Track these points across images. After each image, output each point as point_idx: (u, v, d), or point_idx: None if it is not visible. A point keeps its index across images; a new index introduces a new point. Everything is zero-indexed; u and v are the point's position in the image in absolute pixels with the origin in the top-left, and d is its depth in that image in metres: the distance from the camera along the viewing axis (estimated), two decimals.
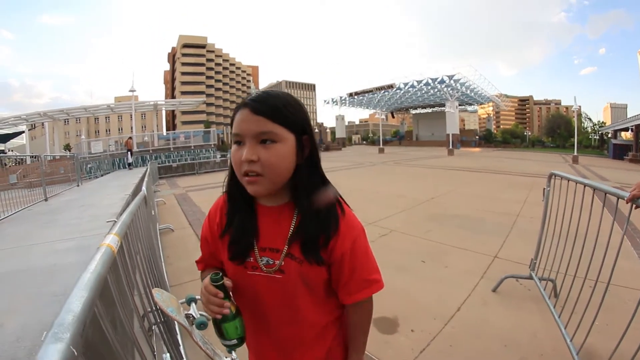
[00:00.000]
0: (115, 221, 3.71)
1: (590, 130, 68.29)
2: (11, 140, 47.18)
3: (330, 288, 1.00)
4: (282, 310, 0.98)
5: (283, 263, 0.94)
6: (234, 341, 0.92)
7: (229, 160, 0.98)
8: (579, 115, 35.60)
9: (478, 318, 3.07)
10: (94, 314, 0.73)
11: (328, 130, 79.37)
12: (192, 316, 1.66)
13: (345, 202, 1.01)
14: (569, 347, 2.34)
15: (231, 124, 0.92)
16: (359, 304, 1.01)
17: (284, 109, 0.88)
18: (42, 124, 38.28)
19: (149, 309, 1.62)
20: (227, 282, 0.94)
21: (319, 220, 0.93)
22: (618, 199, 2.08)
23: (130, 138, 22.91)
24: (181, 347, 2.18)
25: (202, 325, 1.63)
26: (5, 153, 36.72)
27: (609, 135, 43.91)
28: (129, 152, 21.05)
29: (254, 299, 0.99)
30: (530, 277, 3.48)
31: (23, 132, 41.70)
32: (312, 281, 0.95)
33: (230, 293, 0.93)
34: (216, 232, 1.04)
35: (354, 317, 1.05)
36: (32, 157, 11.21)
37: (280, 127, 0.87)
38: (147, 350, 1.36)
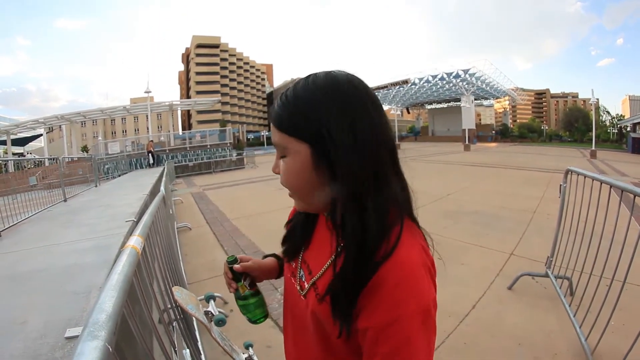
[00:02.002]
0: (134, 221, 3.82)
1: (608, 124, 66.66)
2: (30, 144, 48.32)
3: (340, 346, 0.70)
4: (298, 331, 0.83)
5: (308, 292, 0.76)
6: (248, 317, 0.99)
7: None
8: (597, 108, 34.75)
9: (493, 316, 3.06)
10: (124, 313, 0.77)
11: None
12: (211, 313, 1.71)
13: (416, 250, 0.64)
14: (583, 347, 2.33)
15: None
16: None
17: (290, 110, 0.68)
18: (60, 126, 39.17)
19: (169, 306, 1.67)
20: (237, 266, 0.95)
21: (344, 269, 0.64)
22: (635, 197, 2.06)
23: (151, 141, 23.26)
24: (199, 343, 2.24)
25: (220, 322, 1.67)
26: (24, 156, 37.65)
27: (628, 129, 42.79)
28: (150, 154, 21.48)
29: (287, 304, 0.89)
30: (547, 275, 3.45)
31: (41, 135, 42.67)
32: (325, 325, 0.70)
33: (246, 276, 0.96)
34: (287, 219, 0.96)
35: None
36: (51, 159, 11.44)
37: (288, 138, 0.68)
38: (169, 346, 1.41)
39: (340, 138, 0.63)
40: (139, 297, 1.08)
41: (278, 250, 0.97)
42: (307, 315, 0.75)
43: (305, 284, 0.78)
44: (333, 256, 0.70)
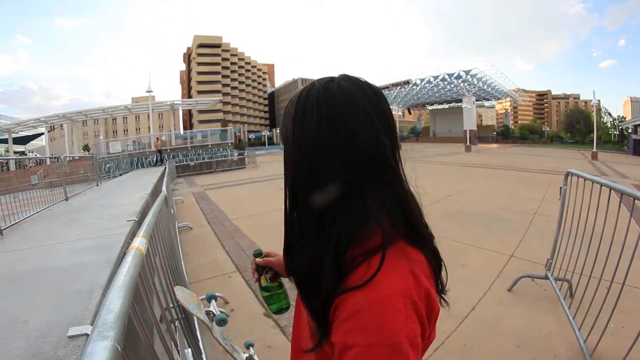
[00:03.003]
0: (136, 220, 3.83)
1: (610, 126, 66.59)
2: (31, 142, 48.47)
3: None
4: (305, 335, 0.75)
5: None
6: (270, 309, 1.02)
7: None
8: (598, 110, 34.74)
9: (493, 318, 3.07)
10: (129, 313, 0.79)
11: None
12: (212, 313, 1.73)
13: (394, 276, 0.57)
14: (582, 349, 2.34)
15: None
16: None
17: (282, 122, 0.69)
18: (61, 125, 39.23)
19: (171, 305, 1.68)
20: (258, 260, 1.00)
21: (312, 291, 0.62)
22: (634, 200, 2.06)
23: (158, 139, 23.31)
24: (200, 343, 2.25)
25: (222, 322, 1.69)
26: (26, 155, 37.70)
27: (629, 131, 42.68)
28: (159, 153, 21.76)
29: (297, 304, 0.83)
30: (546, 277, 3.46)
31: (42, 134, 42.74)
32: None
33: (268, 269, 1.01)
34: None
35: None
36: (52, 158, 11.46)
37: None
38: (171, 345, 1.42)
39: (290, 146, 0.63)
40: (142, 297, 1.09)
41: (281, 249, 0.96)
42: (305, 315, 0.72)
43: None
44: None
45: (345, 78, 0.65)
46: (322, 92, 0.62)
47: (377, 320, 0.52)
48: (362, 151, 0.60)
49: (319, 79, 0.66)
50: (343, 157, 0.59)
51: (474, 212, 7.02)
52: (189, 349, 1.76)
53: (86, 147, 55.56)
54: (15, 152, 37.75)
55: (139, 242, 1.21)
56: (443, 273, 0.68)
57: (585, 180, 2.96)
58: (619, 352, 2.07)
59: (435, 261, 0.68)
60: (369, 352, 0.50)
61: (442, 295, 0.67)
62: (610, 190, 2.44)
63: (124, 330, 0.65)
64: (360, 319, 0.52)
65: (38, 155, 34.14)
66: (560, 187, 3.47)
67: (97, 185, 10.00)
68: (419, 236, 0.66)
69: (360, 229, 0.60)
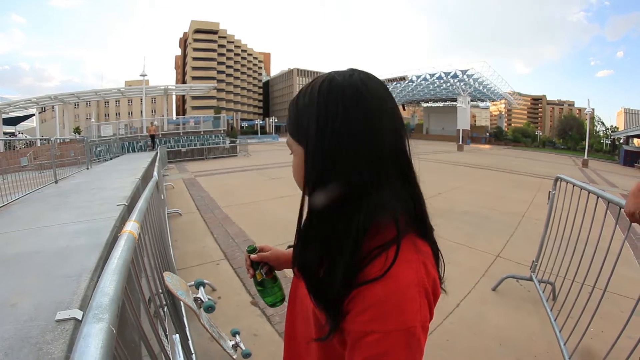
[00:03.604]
0: (126, 205, 3.81)
1: (602, 135, 67.39)
2: (21, 123, 47.78)
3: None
4: (297, 329, 0.82)
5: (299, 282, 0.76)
6: (265, 301, 1.03)
7: None
8: (592, 118, 35.13)
9: (476, 315, 3.12)
10: (122, 297, 0.79)
11: None
12: (200, 299, 1.74)
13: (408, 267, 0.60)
14: (562, 351, 2.39)
15: None
16: None
17: (292, 113, 0.70)
18: (53, 107, 38.52)
19: (160, 291, 1.69)
20: (253, 256, 1.00)
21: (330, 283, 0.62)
22: (620, 209, 2.10)
23: (152, 124, 23.08)
24: (187, 329, 2.26)
25: (210, 309, 1.71)
26: (16, 136, 37.13)
27: (621, 141, 43.25)
28: (152, 138, 21.71)
29: (292, 300, 0.87)
30: (531, 279, 3.52)
31: (33, 115, 42.09)
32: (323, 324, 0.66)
33: (263, 264, 1.01)
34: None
35: None
36: (43, 139, 11.32)
37: (292, 139, 0.70)
38: (160, 330, 1.43)
39: (314, 143, 0.63)
40: (134, 282, 1.10)
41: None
42: (305, 314, 0.76)
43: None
44: None
45: (362, 73, 0.66)
46: (347, 87, 0.62)
47: (396, 309, 0.55)
48: (386, 146, 0.62)
49: (336, 72, 0.66)
50: (368, 152, 0.61)
51: (463, 211, 7.08)
52: (177, 335, 1.78)
53: (77, 130, 54.86)
54: (5, 133, 37.14)
55: (132, 226, 1.21)
56: (441, 262, 0.72)
57: (573, 186, 3.01)
58: (599, 355, 2.12)
59: (436, 251, 0.71)
60: (388, 337, 0.55)
61: (441, 282, 0.69)
62: (598, 197, 2.49)
63: (118, 313, 0.66)
64: (380, 309, 0.56)
65: (28, 137, 33.68)
66: (549, 192, 3.52)
67: (88, 168, 9.92)
68: (426, 229, 0.70)
69: (377, 221, 0.62)
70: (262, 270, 1.01)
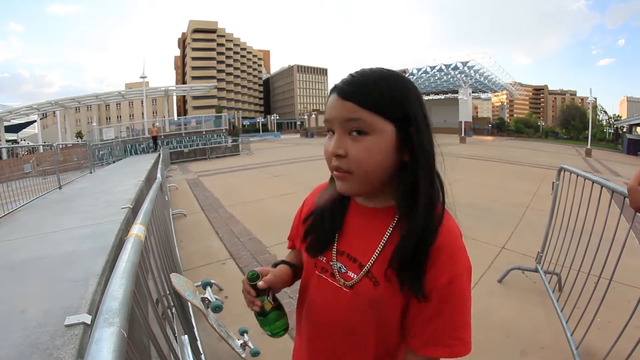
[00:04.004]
0: (130, 207, 3.83)
1: (605, 124, 66.98)
2: (23, 130, 47.93)
3: (398, 324, 0.78)
4: (340, 328, 0.82)
5: (359, 281, 0.77)
6: (268, 332, 0.91)
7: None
8: (594, 107, 34.87)
9: (482, 308, 3.13)
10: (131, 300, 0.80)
11: None
12: (208, 300, 1.75)
13: (454, 222, 0.79)
14: (569, 342, 2.39)
15: None
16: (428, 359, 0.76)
17: (378, 90, 0.69)
18: (54, 112, 38.56)
19: (168, 292, 1.70)
20: (261, 283, 0.84)
21: (422, 239, 0.71)
22: (625, 198, 2.09)
23: (154, 125, 23.07)
24: (195, 329, 2.28)
25: (217, 309, 1.72)
26: (18, 143, 37.24)
27: (624, 130, 42.99)
28: (154, 139, 21.65)
29: (314, 304, 0.87)
30: (536, 270, 3.51)
31: (35, 121, 42.20)
32: (388, 309, 0.76)
33: (269, 292, 0.88)
34: (302, 217, 0.95)
35: None
36: (45, 144, 11.34)
37: (373, 115, 0.69)
38: (169, 331, 1.44)
39: (423, 124, 0.73)
40: (142, 284, 1.11)
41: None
42: (355, 308, 0.78)
43: (351, 274, 0.78)
44: (384, 239, 0.76)
45: None
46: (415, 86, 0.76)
47: (462, 253, 0.75)
48: None
49: (394, 70, 0.75)
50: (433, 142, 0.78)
51: (466, 204, 7.06)
52: (186, 336, 1.79)
53: (79, 134, 55.08)
54: (7, 141, 37.26)
55: (138, 229, 1.22)
56: None
57: (577, 176, 3.00)
58: (605, 345, 2.12)
59: None
60: (463, 276, 0.73)
61: None
62: (602, 187, 2.48)
63: (129, 317, 0.67)
64: (455, 255, 0.73)
65: (31, 143, 33.75)
66: (553, 182, 3.51)
67: (91, 172, 9.94)
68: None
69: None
70: (269, 298, 0.88)
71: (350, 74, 0.73)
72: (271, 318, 0.89)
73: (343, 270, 0.80)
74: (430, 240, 0.71)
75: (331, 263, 0.81)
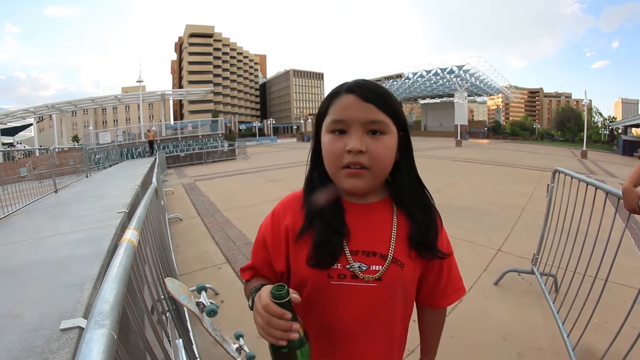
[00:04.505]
0: (126, 212, 3.82)
1: (600, 125, 67.33)
2: (20, 133, 47.69)
3: (414, 297, 0.94)
4: (368, 324, 0.85)
5: (387, 269, 0.83)
6: None
7: (309, 153, 0.91)
8: (589, 109, 35.11)
9: (479, 310, 3.13)
10: (124, 304, 0.81)
11: None
12: (203, 304, 1.74)
13: None
14: (566, 343, 2.40)
15: (321, 112, 0.84)
16: (444, 309, 1.02)
17: (390, 98, 0.80)
18: (50, 116, 38.51)
19: (162, 297, 1.69)
20: (294, 296, 0.69)
21: (428, 217, 0.89)
22: (619, 199, 2.10)
23: (150, 130, 23.03)
24: (190, 334, 2.27)
25: (212, 313, 1.71)
26: (14, 146, 37.08)
27: (619, 131, 43.22)
28: (150, 144, 21.59)
29: (334, 314, 0.85)
30: (532, 272, 3.53)
31: (31, 124, 42.06)
32: (410, 286, 0.89)
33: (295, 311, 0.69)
34: (283, 235, 0.89)
35: (438, 322, 1.04)
36: (42, 148, 11.31)
37: (389, 118, 0.79)
38: (163, 335, 1.44)
39: (408, 131, 0.88)
40: (135, 289, 1.11)
41: None
42: (384, 296, 0.85)
43: (375, 267, 0.83)
44: (394, 227, 0.86)
45: None
46: None
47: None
48: None
49: (373, 80, 0.85)
50: None
51: (463, 207, 7.09)
52: (180, 340, 1.78)
53: (75, 138, 54.87)
54: (3, 144, 37.11)
55: (131, 234, 1.22)
56: None
57: (572, 178, 3.02)
58: (602, 346, 2.13)
59: None
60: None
61: None
62: (596, 189, 2.49)
63: (119, 319, 0.68)
64: (440, 219, 0.95)
65: (27, 147, 33.62)
66: (548, 185, 3.53)
67: (87, 176, 9.93)
68: None
69: None
70: (298, 319, 0.69)
71: (361, 80, 0.81)
72: (308, 346, 0.70)
73: (364, 268, 0.82)
74: (435, 215, 0.92)
75: (347, 266, 0.82)
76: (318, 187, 0.87)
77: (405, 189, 0.88)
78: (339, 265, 0.82)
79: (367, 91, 0.78)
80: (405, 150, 0.87)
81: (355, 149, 0.76)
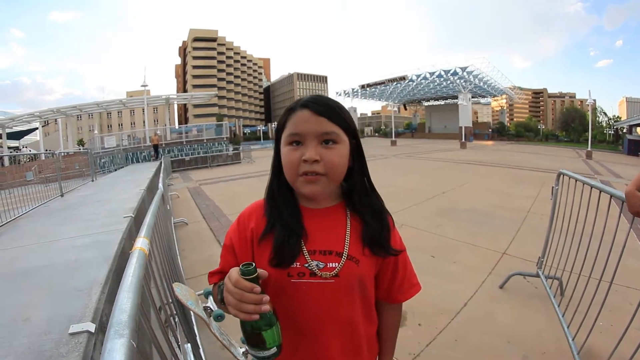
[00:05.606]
0: (132, 217, 3.85)
1: (605, 125, 66.74)
2: (25, 137, 48.08)
3: (373, 294, 1.02)
4: (329, 319, 0.93)
5: (344, 265, 0.91)
6: (274, 349, 0.77)
7: (272, 162, 0.98)
8: (594, 109, 34.90)
9: (484, 314, 3.14)
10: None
11: None
12: (210, 308, 1.76)
13: None
14: (571, 346, 2.39)
15: (280, 126, 0.93)
16: (400, 304, 1.09)
17: (341, 111, 0.90)
18: (55, 120, 38.76)
19: (170, 301, 1.71)
20: (262, 271, 0.77)
21: (379, 218, 0.97)
22: (623, 202, 2.10)
23: (155, 134, 23.13)
24: (197, 338, 2.29)
25: (219, 317, 1.72)
26: (20, 150, 37.32)
27: (624, 131, 42.89)
28: (155, 148, 21.63)
29: (296, 311, 0.92)
30: (537, 275, 3.52)
31: (37, 128, 42.37)
32: (367, 281, 0.96)
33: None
34: (249, 238, 0.97)
35: (395, 318, 1.10)
36: (48, 151, 11.38)
37: (340, 129, 0.89)
38: (173, 340, 1.46)
39: (359, 140, 0.97)
40: (146, 296, 1.13)
41: None
42: (341, 292, 0.92)
43: (332, 264, 0.91)
44: (348, 228, 0.95)
45: None
46: None
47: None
48: None
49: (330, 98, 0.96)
50: None
51: (467, 209, 7.08)
52: (188, 344, 1.80)
53: (81, 142, 55.25)
54: (9, 148, 37.38)
55: (142, 243, 1.24)
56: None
57: (576, 181, 3.01)
58: (607, 349, 2.12)
59: None
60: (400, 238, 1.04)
61: None
62: (600, 191, 2.49)
63: (137, 328, 0.70)
64: (391, 218, 1.04)
65: (32, 151, 33.81)
66: (552, 187, 3.52)
67: (93, 180, 9.97)
68: None
69: None
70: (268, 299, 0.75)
71: (315, 96, 0.91)
72: (278, 325, 0.78)
73: (321, 266, 0.91)
74: (386, 216, 1.00)
75: (306, 265, 0.91)
76: (278, 195, 0.97)
77: (357, 193, 0.96)
78: (297, 264, 0.90)
79: (319, 106, 0.88)
80: (357, 157, 0.96)
81: (311, 159, 0.85)
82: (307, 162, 0.86)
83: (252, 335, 0.76)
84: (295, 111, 0.90)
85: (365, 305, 0.98)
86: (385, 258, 0.98)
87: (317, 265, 0.90)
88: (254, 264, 0.73)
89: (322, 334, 0.93)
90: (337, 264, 0.90)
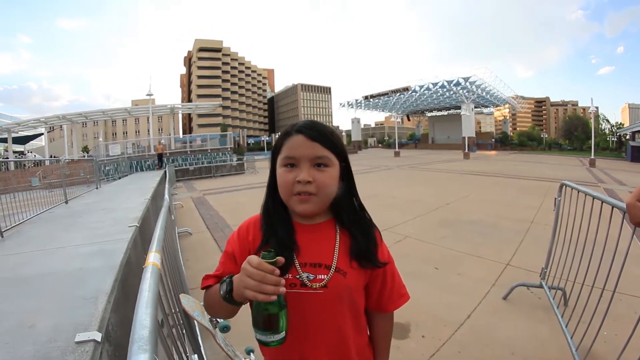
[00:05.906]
0: (137, 226, 3.87)
1: (608, 132, 66.55)
2: (30, 142, 48.51)
3: (363, 305, 1.08)
4: (318, 327, 0.99)
5: (332, 277, 0.98)
6: (283, 334, 0.83)
7: (268, 181, 1.10)
8: (596, 116, 34.74)
9: (487, 326, 3.13)
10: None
11: (344, 133, 79.37)
12: (216, 320, 1.78)
13: None
14: (574, 356, 2.39)
15: (276, 148, 1.03)
16: (391, 314, 1.15)
17: (332, 137, 0.98)
18: (61, 126, 39.12)
19: (178, 311, 1.73)
20: (280, 258, 0.82)
21: (367, 233, 1.05)
22: (624, 213, 2.11)
23: (160, 142, 23.25)
24: (202, 349, 2.29)
25: (225, 329, 1.75)
26: (25, 154, 37.57)
27: (627, 137, 42.73)
28: (159, 157, 21.76)
29: (290, 319, 0.93)
30: (541, 286, 3.52)
31: (42, 134, 42.74)
32: (355, 292, 1.03)
33: None
34: (247, 249, 1.04)
35: (386, 327, 1.16)
36: (52, 157, 11.47)
37: (331, 153, 0.98)
38: (181, 351, 1.47)
39: (349, 163, 1.05)
40: (161, 310, 1.16)
41: None
42: (331, 303, 0.98)
43: (321, 276, 0.98)
44: (337, 242, 1.02)
45: None
46: None
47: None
48: None
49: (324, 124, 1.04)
50: None
51: (471, 220, 7.08)
52: (195, 355, 1.81)
53: (85, 149, 55.55)
54: (14, 152, 37.65)
55: (154, 257, 1.27)
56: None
57: (578, 192, 3.02)
58: (612, 358, 2.12)
59: None
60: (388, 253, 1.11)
61: None
62: (602, 202, 2.50)
63: (157, 343, 0.74)
64: (379, 233, 1.11)
65: (37, 156, 34.03)
66: (555, 199, 3.53)
67: (97, 188, 10.01)
68: None
69: None
70: None
71: (309, 122, 1.00)
72: (287, 311, 0.84)
73: (311, 277, 0.98)
74: (373, 231, 1.08)
75: (297, 276, 0.98)
76: (273, 212, 1.06)
77: (346, 211, 1.05)
78: (289, 275, 0.97)
79: (313, 132, 0.96)
80: (347, 178, 1.04)
81: (304, 180, 0.94)
82: (300, 182, 0.94)
83: (268, 317, 0.81)
84: (290, 136, 0.99)
85: (354, 315, 1.04)
86: (373, 270, 1.05)
87: (307, 276, 0.98)
88: (273, 250, 0.81)
89: (310, 340, 0.99)
90: (325, 275, 0.98)
